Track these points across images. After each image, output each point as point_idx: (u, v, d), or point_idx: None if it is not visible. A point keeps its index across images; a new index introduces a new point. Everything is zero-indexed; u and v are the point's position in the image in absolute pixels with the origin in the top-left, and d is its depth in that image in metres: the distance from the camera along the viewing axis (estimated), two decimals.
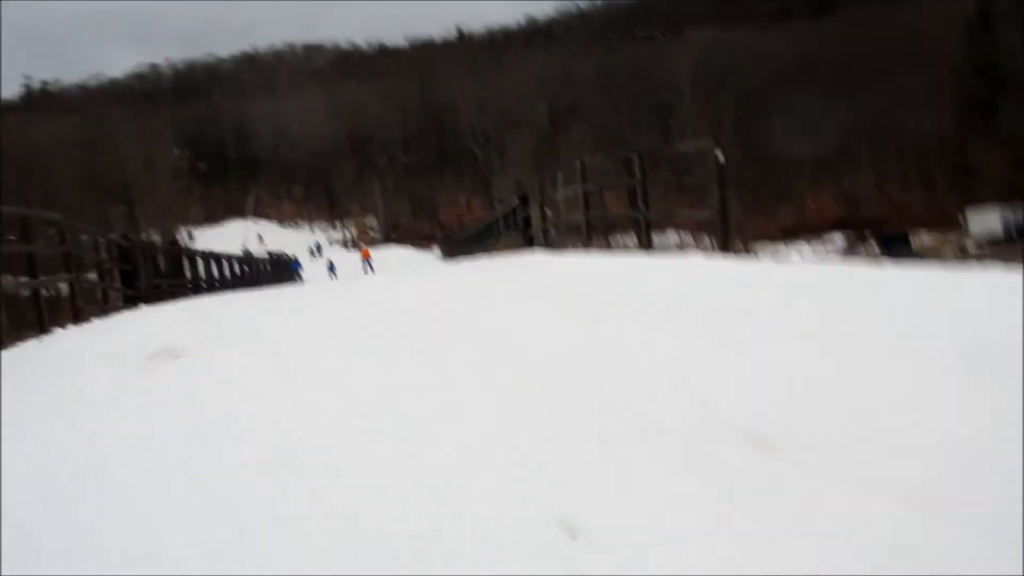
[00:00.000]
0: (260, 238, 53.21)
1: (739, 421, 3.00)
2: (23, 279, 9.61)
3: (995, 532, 2.05)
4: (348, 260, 47.75)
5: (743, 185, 34.44)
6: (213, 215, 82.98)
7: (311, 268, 43.59)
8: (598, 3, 57.67)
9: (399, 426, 3.38)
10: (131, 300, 13.88)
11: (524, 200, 15.88)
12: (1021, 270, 4.49)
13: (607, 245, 16.05)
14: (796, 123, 64.19)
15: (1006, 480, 2.26)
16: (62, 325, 9.76)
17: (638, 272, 8.26)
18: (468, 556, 2.19)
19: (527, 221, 15.74)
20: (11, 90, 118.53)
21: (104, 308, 12.26)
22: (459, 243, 32.97)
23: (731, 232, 11.32)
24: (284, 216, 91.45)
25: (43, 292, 9.95)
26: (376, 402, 3.88)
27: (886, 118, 52.37)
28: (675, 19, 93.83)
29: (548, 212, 14.91)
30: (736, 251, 12.70)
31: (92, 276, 12.94)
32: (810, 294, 5.34)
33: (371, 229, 75.03)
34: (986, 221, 29.95)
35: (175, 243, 20.17)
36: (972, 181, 48.91)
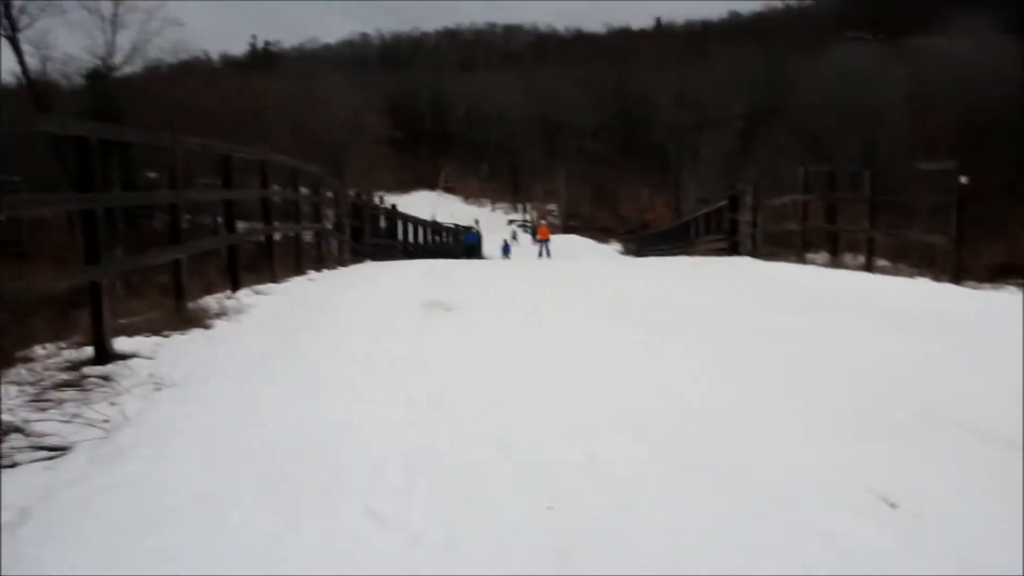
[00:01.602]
0: (476, 222, 54.73)
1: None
2: (291, 224, 10.76)
3: None
4: (525, 243, 48.82)
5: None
6: (403, 183, 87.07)
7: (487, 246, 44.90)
8: (807, 1, 54.88)
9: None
10: (356, 254, 15.14)
11: (733, 203, 15.77)
12: None
13: (805, 259, 15.60)
14: (1021, 150, 58.82)
15: None
16: (309, 269, 10.88)
17: (884, 289, 8.13)
18: None
19: (734, 225, 15.65)
20: (239, 48, 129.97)
21: (339, 259, 13.46)
22: (646, 240, 32.95)
23: (964, 261, 10.83)
24: (469, 192, 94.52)
25: (303, 237, 11.07)
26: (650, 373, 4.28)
27: None
28: (889, 21, 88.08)
29: (759, 219, 14.77)
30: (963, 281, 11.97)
31: (330, 226, 14.21)
32: None
33: (551, 214, 76.15)
34: None
35: (394, 207, 21.57)
36: None
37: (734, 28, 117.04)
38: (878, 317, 6.20)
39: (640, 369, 4.58)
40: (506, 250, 38.20)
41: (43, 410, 3.84)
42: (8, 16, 26.29)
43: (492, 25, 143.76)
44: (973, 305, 6.97)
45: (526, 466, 3.06)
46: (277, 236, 10.16)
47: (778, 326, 5.98)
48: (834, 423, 3.55)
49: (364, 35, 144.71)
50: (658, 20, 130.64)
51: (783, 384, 4.24)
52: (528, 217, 78.02)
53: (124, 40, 31.63)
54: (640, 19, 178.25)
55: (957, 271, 9.86)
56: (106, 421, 3.68)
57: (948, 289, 8.22)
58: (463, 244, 22.70)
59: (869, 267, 10.83)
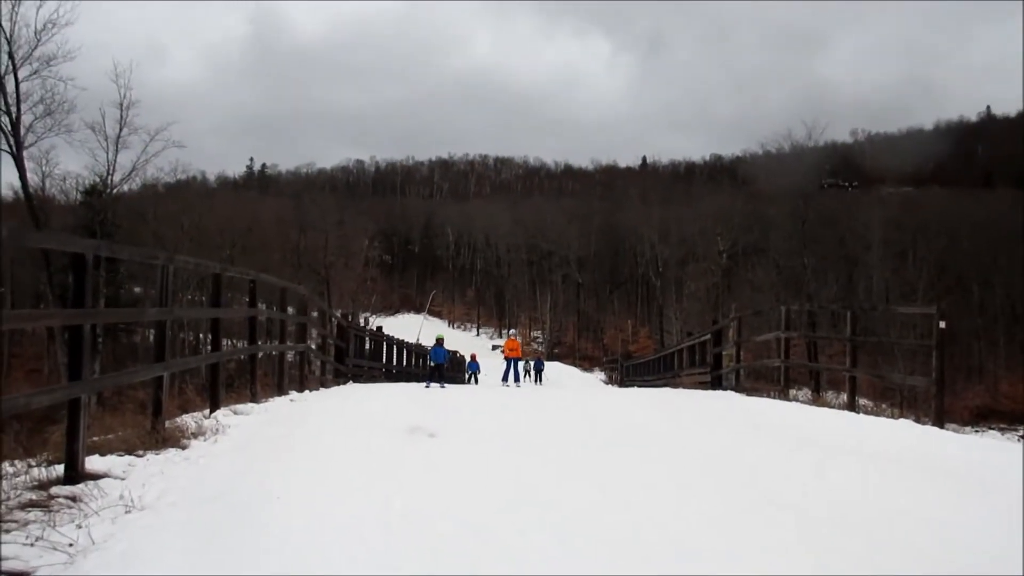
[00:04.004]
0: (439, 340, 52.87)
1: None
2: (275, 343, 10.73)
3: None
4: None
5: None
6: (390, 306, 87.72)
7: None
8: (785, 148, 57.64)
9: None
10: (339, 375, 15.05)
11: (717, 337, 15.93)
12: None
13: (788, 395, 15.73)
14: (995, 298, 60.49)
15: None
16: (291, 389, 10.77)
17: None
18: None
19: (717, 359, 15.74)
20: (238, 169, 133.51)
21: (322, 380, 13.35)
22: (630, 370, 32.99)
23: (943, 403, 10.87)
24: (455, 317, 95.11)
25: (287, 356, 11.00)
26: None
27: None
28: (865, 171, 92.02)
29: (743, 354, 14.88)
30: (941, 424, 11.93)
31: (314, 346, 14.17)
32: None
33: (535, 341, 76.37)
34: None
35: (380, 329, 21.62)
36: None
37: (716, 169, 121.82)
38: (870, 462, 6.13)
39: (631, 509, 4.50)
40: (473, 368, 31.26)
41: (6, 532, 3.70)
42: (15, 134, 26.88)
43: (484, 156, 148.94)
44: (960, 451, 6.93)
45: None
46: (260, 354, 10.11)
47: (767, 468, 5.92)
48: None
49: (359, 162, 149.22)
50: (644, 159, 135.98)
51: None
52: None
53: (125, 159, 32.29)
54: (627, 157, 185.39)
55: (939, 414, 9.85)
56: (71, 545, 3.55)
57: (932, 432, 8.19)
58: (431, 363, 15.29)
59: (852, 406, 10.82)
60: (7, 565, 3.28)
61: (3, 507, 4.09)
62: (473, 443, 6.60)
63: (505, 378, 18.83)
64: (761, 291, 46.73)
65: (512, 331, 22.80)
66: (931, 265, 54.11)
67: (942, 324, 9.91)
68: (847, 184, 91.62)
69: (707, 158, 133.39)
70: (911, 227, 62.14)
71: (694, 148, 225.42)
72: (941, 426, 9.40)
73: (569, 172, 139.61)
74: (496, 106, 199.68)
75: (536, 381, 31.90)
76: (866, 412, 11.07)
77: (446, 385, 13.83)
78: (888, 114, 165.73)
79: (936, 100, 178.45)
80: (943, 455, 6.56)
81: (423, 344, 38.78)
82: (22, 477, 4.78)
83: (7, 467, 5.00)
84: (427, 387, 13.48)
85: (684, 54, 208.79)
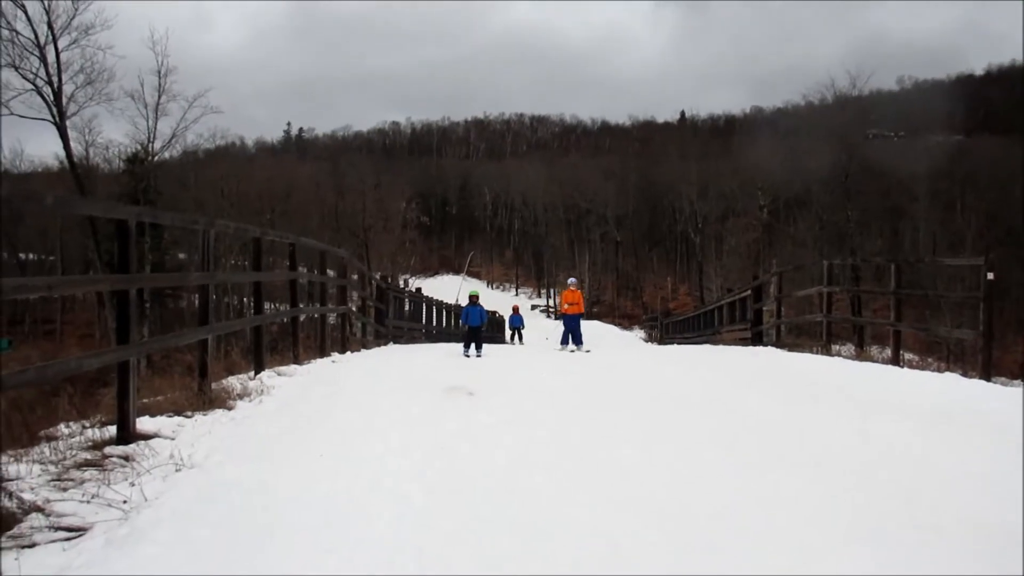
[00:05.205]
0: (474, 297, 51.87)
1: None
2: (316, 305, 10.88)
3: None
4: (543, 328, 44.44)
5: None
6: (429, 267, 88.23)
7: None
8: (828, 99, 55.91)
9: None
10: (379, 336, 15.23)
11: (758, 293, 15.76)
12: None
13: (830, 351, 15.50)
14: None
15: None
16: (332, 351, 10.94)
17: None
18: None
19: (758, 315, 15.59)
20: (275, 134, 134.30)
21: (363, 341, 13.53)
22: (669, 327, 32.85)
23: (991, 356, 10.65)
24: (494, 277, 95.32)
25: (328, 319, 11.15)
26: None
27: None
28: (912, 119, 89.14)
29: (784, 310, 14.72)
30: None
31: (354, 309, 14.34)
32: None
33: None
34: None
35: (419, 290, 21.80)
36: None
37: (757, 122, 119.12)
38: (914, 417, 6.05)
39: (669, 468, 4.52)
40: (516, 323, 26.75)
41: (64, 490, 3.85)
42: (58, 104, 27.36)
43: (520, 115, 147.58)
44: (1007, 405, 6.79)
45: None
46: (302, 317, 10.27)
47: (810, 425, 5.90)
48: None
49: (395, 124, 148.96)
50: (682, 113, 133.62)
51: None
52: (548, 302, 77.92)
53: (165, 126, 32.84)
54: (665, 111, 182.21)
55: (987, 367, 9.67)
56: (125, 502, 3.68)
57: (978, 386, 8.05)
58: (466, 326, 12.79)
59: (897, 360, 10.68)
60: (66, 521, 3.41)
61: (60, 466, 4.25)
62: (512, 404, 6.64)
63: (564, 341, 14.87)
64: (803, 246, 46.03)
65: (571, 280, 17.20)
66: (980, 216, 52.68)
67: (990, 276, 9.68)
68: (893, 134, 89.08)
69: (747, 111, 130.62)
70: (959, 177, 60.46)
71: (734, 101, 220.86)
72: (988, 380, 9.24)
73: (606, 129, 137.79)
74: (534, 66, 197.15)
75: (513, 329, 27.10)
76: (911, 367, 10.93)
77: (483, 350, 12.08)
78: (939, 58, 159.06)
79: (991, 44, 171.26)
80: (989, 410, 6.45)
81: (462, 305, 38.53)
82: (77, 437, 4.94)
83: (63, 428, 5.19)
84: (466, 355, 11.66)
85: (729, 7, 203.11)
